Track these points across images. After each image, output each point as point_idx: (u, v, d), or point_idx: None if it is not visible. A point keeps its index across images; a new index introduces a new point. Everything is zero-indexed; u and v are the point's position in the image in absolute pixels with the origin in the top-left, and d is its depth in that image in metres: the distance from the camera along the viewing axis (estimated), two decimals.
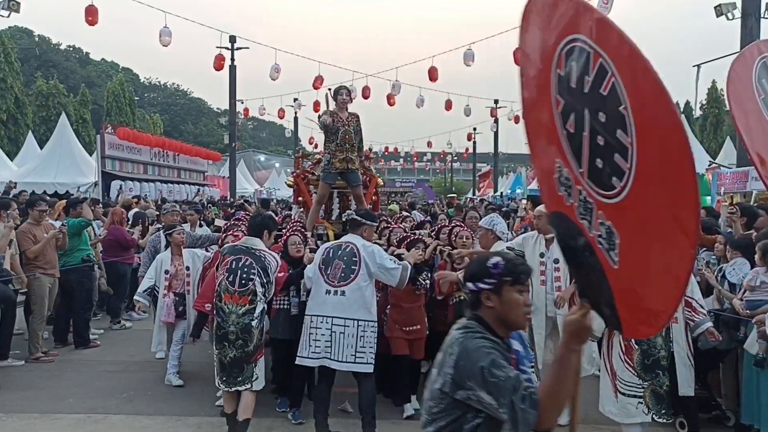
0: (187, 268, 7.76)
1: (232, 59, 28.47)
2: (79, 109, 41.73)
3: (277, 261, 6.04)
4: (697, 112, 42.75)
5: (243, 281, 5.73)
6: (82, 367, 8.47)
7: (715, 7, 16.77)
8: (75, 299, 9.45)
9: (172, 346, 7.74)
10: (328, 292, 5.93)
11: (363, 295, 5.93)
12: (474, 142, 48.12)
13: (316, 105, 29.75)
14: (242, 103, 33.17)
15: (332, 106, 8.17)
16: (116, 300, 10.98)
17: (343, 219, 7.84)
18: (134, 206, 14.62)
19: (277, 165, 59.32)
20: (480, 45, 21.69)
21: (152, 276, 7.80)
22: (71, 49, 67.25)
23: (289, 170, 57.60)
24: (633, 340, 5.26)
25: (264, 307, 5.94)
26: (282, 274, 6.25)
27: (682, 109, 40.11)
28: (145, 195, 21.18)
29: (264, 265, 5.85)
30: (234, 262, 5.81)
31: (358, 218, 6.28)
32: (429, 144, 50.93)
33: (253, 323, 5.74)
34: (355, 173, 8.10)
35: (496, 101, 37.74)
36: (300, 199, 8.64)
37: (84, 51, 69.56)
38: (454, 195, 39.76)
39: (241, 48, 28.71)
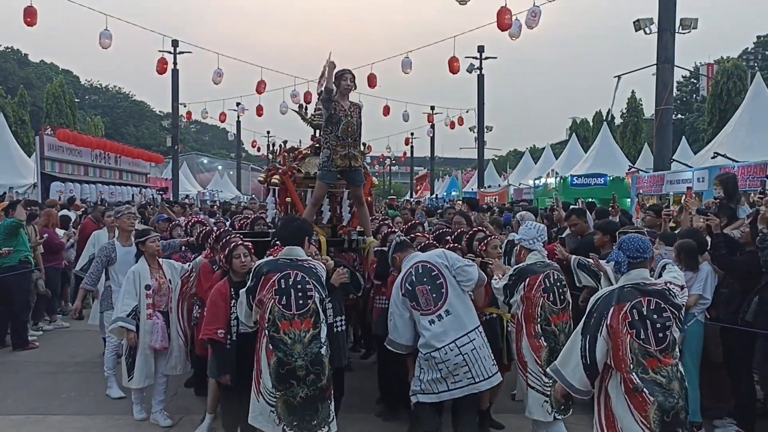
0: (170, 282, 6.51)
1: (175, 63, 28.60)
2: (18, 111, 40.98)
3: (325, 270, 5.16)
4: (618, 120, 44.64)
5: (300, 301, 4.74)
6: (21, 368, 8.37)
7: (634, 22, 17.87)
8: (13, 301, 9.28)
9: (156, 378, 6.45)
10: (432, 322, 5.21)
11: (464, 302, 5.34)
12: (411, 147, 49.00)
13: (259, 109, 30.19)
14: (185, 106, 33.19)
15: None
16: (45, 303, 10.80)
17: (390, 241, 6.29)
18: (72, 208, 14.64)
19: (219, 168, 59.21)
20: (417, 53, 22.31)
21: (132, 293, 6.32)
22: (9, 50, 65.64)
23: (231, 173, 57.74)
24: (542, 337, 5.25)
25: (327, 329, 4.99)
26: None
27: (604, 117, 41.88)
28: (78, 197, 21.12)
29: (318, 276, 4.93)
30: (282, 281, 4.75)
31: (406, 241, 5.89)
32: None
33: (323, 351, 4.76)
34: (358, 171, 6.97)
35: (432, 107, 38.86)
36: (288, 200, 7.37)
37: (23, 52, 67.96)
38: (394, 197, 40.63)
39: (183, 52, 28.86)
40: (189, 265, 6.76)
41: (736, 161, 13.99)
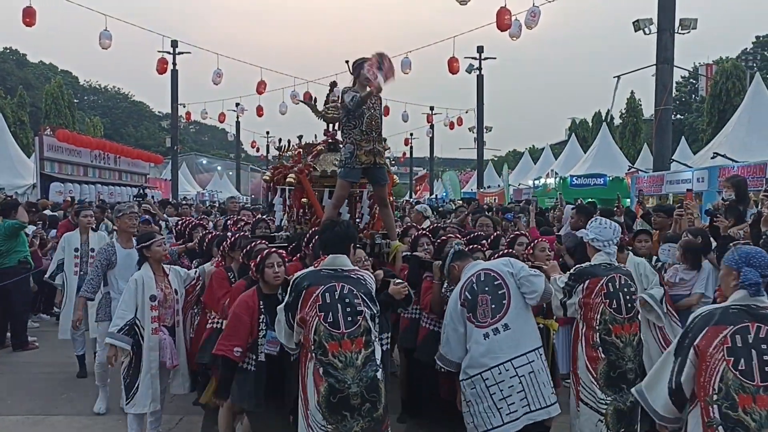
0: (176, 292, 5.80)
1: (174, 63, 28.59)
2: (17, 111, 40.95)
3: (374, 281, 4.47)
4: (617, 120, 44.69)
5: (349, 318, 4.06)
6: (20, 368, 8.36)
7: (633, 23, 17.91)
8: (12, 301, 9.23)
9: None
10: (486, 336, 4.58)
11: (526, 319, 4.74)
12: (411, 147, 49.05)
13: (259, 110, 30.18)
14: (184, 107, 33.18)
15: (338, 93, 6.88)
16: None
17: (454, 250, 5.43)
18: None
19: (219, 168, 59.22)
20: (416, 53, 22.30)
21: (130, 305, 5.56)
22: (8, 50, 65.60)
23: (230, 173, 57.75)
24: (600, 348, 4.66)
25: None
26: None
27: (604, 118, 41.92)
28: (78, 197, 21.11)
29: (367, 289, 4.26)
30: (326, 296, 4.09)
31: (465, 250, 5.33)
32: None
33: (379, 375, 4.09)
34: (382, 169, 6.40)
35: (431, 108, 38.84)
36: (304, 200, 6.76)
37: (21, 53, 67.91)
38: (393, 198, 40.57)
39: (183, 53, 28.86)
40: (195, 272, 6.08)
41: (736, 161, 14.02)
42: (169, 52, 27.58)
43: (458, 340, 4.76)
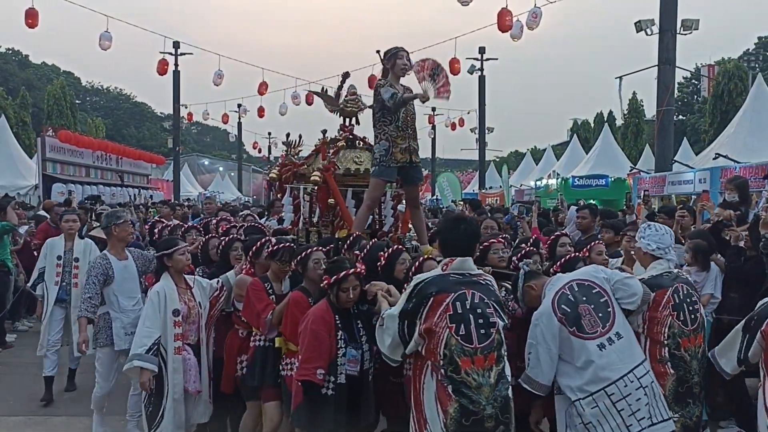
0: (200, 305, 5.25)
1: (176, 64, 28.65)
2: (19, 112, 41.03)
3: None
4: (619, 121, 44.70)
5: (482, 331, 3.61)
6: (23, 369, 8.28)
7: (635, 23, 17.88)
8: None
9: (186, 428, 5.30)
10: (602, 347, 4.04)
11: (629, 327, 4.26)
12: None
13: (260, 110, 30.24)
14: (186, 107, 33.29)
15: (346, 88, 6.66)
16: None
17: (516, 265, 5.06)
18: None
19: (221, 169, 59.24)
20: (417, 54, 22.32)
21: (156, 321, 5.00)
22: (10, 51, 65.69)
23: (232, 174, 57.76)
24: (669, 363, 4.37)
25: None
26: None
27: (605, 118, 41.91)
28: (80, 198, 21.08)
29: (497, 297, 3.86)
30: (458, 304, 3.62)
31: (535, 270, 4.84)
32: None
33: (510, 393, 3.71)
34: (418, 168, 6.08)
35: (433, 109, 38.82)
36: (331, 201, 6.29)
37: (24, 54, 68.02)
38: None
39: (184, 53, 28.93)
40: (217, 281, 5.47)
41: (738, 162, 14.00)
42: (170, 53, 27.69)
43: (551, 361, 4.13)
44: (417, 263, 4.75)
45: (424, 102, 5.89)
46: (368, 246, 5.27)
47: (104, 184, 26.07)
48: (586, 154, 29.19)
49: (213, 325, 5.46)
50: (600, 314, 4.10)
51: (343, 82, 6.89)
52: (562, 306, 4.12)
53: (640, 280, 4.44)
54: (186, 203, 24.68)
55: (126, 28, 20.91)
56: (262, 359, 4.95)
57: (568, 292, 4.19)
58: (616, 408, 3.94)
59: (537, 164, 36.39)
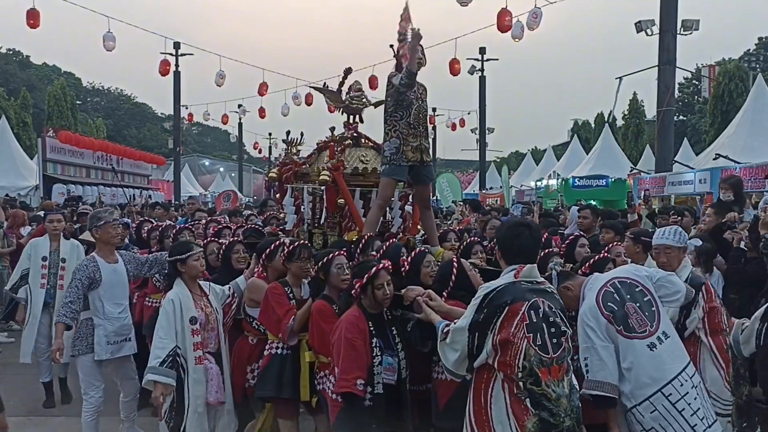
0: (217, 311, 4.99)
1: (177, 65, 28.67)
2: (20, 113, 41.04)
3: None
4: (620, 122, 44.69)
5: (554, 340, 3.50)
6: (23, 369, 8.02)
7: (636, 24, 17.88)
8: None
9: None
10: (652, 346, 3.86)
11: (672, 326, 4.12)
12: None
13: (261, 111, 30.23)
14: (186, 108, 33.27)
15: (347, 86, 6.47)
16: None
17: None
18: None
19: (221, 170, 59.26)
20: None
21: (169, 332, 4.68)
22: (11, 52, 65.74)
23: (233, 175, 57.79)
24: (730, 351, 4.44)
25: None
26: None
27: (605, 119, 41.86)
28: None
29: (561, 304, 3.73)
30: (532, 313, 3.49)
31: (568, 270, 4.74)
32: None
33: (580, 403, 3.60)
34: (429, 167, 5.87)
35: (434, 109, 38.74)
36: (340, 201, 6.05)
37: (24, 54, 68.07)
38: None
39: (185, 54, 28.95)
40: (228, 288, 5.21)
41: (738, 162, 14.01)
42: (171, 54, 27.70)
43: (612, 357, 3.88)
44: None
45: (419, 38, 5.50)
46: (384, 247, 5.06)
47: (104, 185, 26.09)
48: (587, 154, 29.20)
49: (226, 333, 5.18)
50: (646, 313, 3.93)
51: (345, 78, 6.68)
52: (609, 304, 3.93)
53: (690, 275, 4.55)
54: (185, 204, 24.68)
55: (127, 29, 20.93)
56: (279, 368, 4.68)
57: (613, 290, 4.00)
58: (676, 409, 3.74)
59: (537, 165, 36.41)
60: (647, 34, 17.62)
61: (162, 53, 25.85)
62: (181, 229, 7.05)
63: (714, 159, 15.88)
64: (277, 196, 7.24)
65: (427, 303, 4.06)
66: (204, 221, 8.24)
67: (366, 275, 4.17)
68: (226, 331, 5.13)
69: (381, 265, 4.23)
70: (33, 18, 16.65)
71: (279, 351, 4.73)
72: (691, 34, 17.55)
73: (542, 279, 3.69)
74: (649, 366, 3.78)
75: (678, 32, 17.10)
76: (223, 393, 4.83)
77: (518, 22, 17.01)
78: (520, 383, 3.39)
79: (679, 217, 7.28)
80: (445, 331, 3.68)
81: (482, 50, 30.90)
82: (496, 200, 27.54)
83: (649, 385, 3.75)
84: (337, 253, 4.68)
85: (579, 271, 4.82)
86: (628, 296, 3.95)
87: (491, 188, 32.88)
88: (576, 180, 22.88)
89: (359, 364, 4.02)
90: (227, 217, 10.06)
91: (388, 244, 5.21)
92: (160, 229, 7.30)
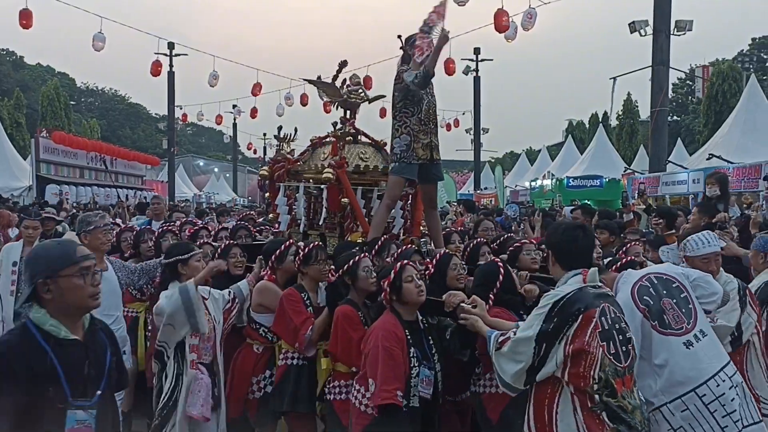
0: (215, 320, 4.61)
1: (171, 65, 28.64)
2: (13, 113, 40.91)
3: None
4: (614, 122, 44.81)
5: (624, 348, 3.29)
6: None
7: (629, 24, 17.93)
8: None
9: None
10: (688, 344, 3.69)
11: (710, 326, 3.94)
12: None
13: (254, 111, 30.18)
14: (181, 108, 33.25)
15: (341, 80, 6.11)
16: None
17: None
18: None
19: (216, 170, 59.26)
20: None
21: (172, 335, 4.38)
22: (4, 52, 65.54)
23: (227, 175, 57.82)
24: None
25: None
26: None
27: (600, 119, 41.98)
28: (74, 199, 21.03)
29: (622, 309, 3.51)
30: (603, 320, 3.27)
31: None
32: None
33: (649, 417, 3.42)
34: (438, 166, 5.61)
35: None
36: (344, 201, 5.67)
37: (18, 55, 67.86)
38: None
39: (179, 54, 28.91)
40: (229, 293, 4.84)
41: (731, 162, 14.06)
42: (165, 54, 27.65)
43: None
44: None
45: (446, 41, 5.25)
46: (399, 251, 4.80)
47: (98, 185, 26.03)
48: (581, 154, 29.26)
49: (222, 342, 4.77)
50: (683, 309, 3.77)
51: (339, 70, 6.30)
52: (644, 297, 3.77)
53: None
54: (183, 204, 24.63)
55: (120, 29, 20.88)
56: (295, 381, 4.42)
57: (648, 284, 3.85)
58: (708, 410, 3.58)
59: (532, 165, 36.46)
60: (641, 35, 17.69)
61: (156, 53, 25.82)
62: (164, 232, 6.23)
63: (707, 159, 15.94)
64: (266, 195, 6.85)
65: (474, 312, 3.75)
66: (179, 222, 7.69)
67: (392, 270, 3.91)
68: (223, 339, 4.73)
69: (405, 261, 4.01)
70: (26, 18, 16.62)
71: (295, 362, 4.49)
72: (684, 34, 17.61)
73: (599, 283, 3.47)
74: (684, 364, 3.63)
75: (672, 33, 17.16)
76: (209, 409, 4.36)
77: (513, 23, 17.05)
78: (596, 396, 3.15)
79: (662, 219, 7.32)
80: (500, 341, 3.42)
81: (477, 50, 30.95)
82: (491, 200, 27.59)
83: (683, 384, 3.59)
84: (363, 255, 4.39)
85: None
86: (665, 291, 3.81)
87: (486, 188, 32.94)
88: (570, 180, 22.95)
89: (398, 375, 3.75)
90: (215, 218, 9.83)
91: (403, 248, 4.95)
92: (135, 232, 6.58)
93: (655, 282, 3.86)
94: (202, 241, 5.89)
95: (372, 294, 4.31)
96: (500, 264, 4.28)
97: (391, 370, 3.72)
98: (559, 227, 3.70)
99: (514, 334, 3.36)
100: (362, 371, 3.93)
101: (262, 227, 7.63)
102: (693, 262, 4.57)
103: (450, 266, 4.40)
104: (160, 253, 5.61)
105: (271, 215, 6.46)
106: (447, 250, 4.80)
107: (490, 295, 4.09)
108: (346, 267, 4.27)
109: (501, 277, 4.14)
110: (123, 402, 5.34)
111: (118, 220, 8.85)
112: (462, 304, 3.79)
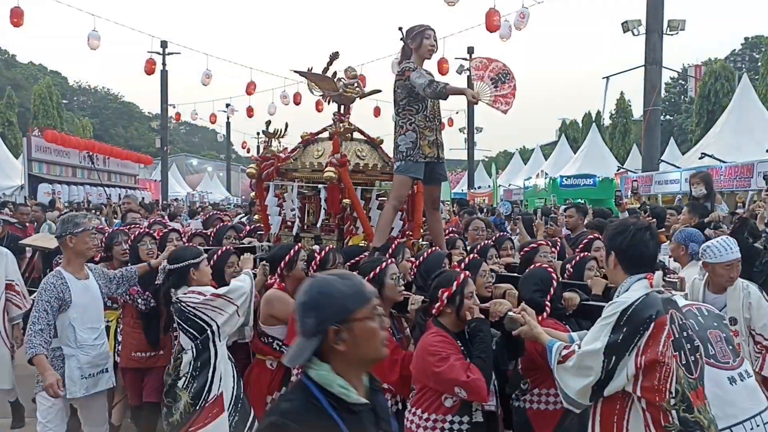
0: None
1: (164, 64, 28.55)
2: (5, 112, 40.72)
3: None
4: (607, 121, 44.92)
5: (693, 357, 3.08)
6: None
7: (622, 24, 17.99)
8: None
9: None
10: (732, 380, 3.57)
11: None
12: None
13: (249, 110, 30.14)
14: (174, 107, 33.17)
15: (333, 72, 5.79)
16: None
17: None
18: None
19: (209, 169, 59.11)
20: None
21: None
22: None
23: (221, 174, 57.69)
24: None
25: None
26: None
27: (593, 118, 42.07)
28: (66, 198, 20.96)
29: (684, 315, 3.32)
30: (673, 327, 3.04)
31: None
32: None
33: None
34: (443, 165, 5.37)
35: None
36: (346, 201, 5.39)
37: (10, 53, 67.54)
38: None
39: (172, 53, 28.82)
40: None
41: (724, 162, 14.09)
42: (158, 53, 27.56)
43: None
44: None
45: (472, 104, 5.30)
46: (425, 254, 4.49)
47: (91, 184, 25.93)
48: (575, 153, 29.32)
49: None
50: (730, 347, 3.63)
51: (330, 63, 5.91)
52: (690, 321, 3.45)
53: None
54: (174, 202, 24.57)
55: (113, 28, 20.84)
56: None
57: (697, 313, 3.70)
58: None
59: (525, 164, 36.53)
60: (634, 34, 17.77)
61: (149, 52, 25.76)
62: (141, 235, 5.51)
63: (700, 158, 15.98)
64: (253, 195, 6.48)
65: (529, 321, 3.47)
66: (148, 222, 7.15)
67: (455, 282, 3.61)
68: None
69: (466, 273, 3.75)
70: (16, 17, 16.53)
71: None
72: (677, 34, 17.69)
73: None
74: (727, 400, 3.49)
75: (664, 32, 17.24)
76: None
77: (506, 22, 17.07)
78: (672, 411, 2.90)
79: (653, 219, 7.35)
80: (564, 354, 3.16)
81: (470, 50, 30.94)
82: (485, 199, 27.61)
83: (720, 419, 3.33)
84: (390, 261, 4.13)
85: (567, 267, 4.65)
86: (714, 324, 3.68)
87: (479, 187, 32.95)
88: (564, 179, 22.96)
89: (482, 393, 3.47)
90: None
91: (427, 253, 4.58)
92: (106, 234, 6.00)
93: (705, 313, 3.73)
94: (172, 243, 5.47)
95: (398, 303, 4.05)
96: (551, 269, 4.02)
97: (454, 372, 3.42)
98: (627, 230, 3.28)
99: (579, 347, 3.14)
100: (417, 395, 3.64)
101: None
102: (714, 268, 4.51)
103: (479, 273, 4.14)
104: (136, 258, 5.27)
105: (256, 216, 6.12)
106: (476, 256, 4.57)
107: (547, 303, 3.82)
108: (372, 274, 3.96)
109: (555, 283, 3.91)
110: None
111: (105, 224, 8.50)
112: (510, 313, 3.55)
